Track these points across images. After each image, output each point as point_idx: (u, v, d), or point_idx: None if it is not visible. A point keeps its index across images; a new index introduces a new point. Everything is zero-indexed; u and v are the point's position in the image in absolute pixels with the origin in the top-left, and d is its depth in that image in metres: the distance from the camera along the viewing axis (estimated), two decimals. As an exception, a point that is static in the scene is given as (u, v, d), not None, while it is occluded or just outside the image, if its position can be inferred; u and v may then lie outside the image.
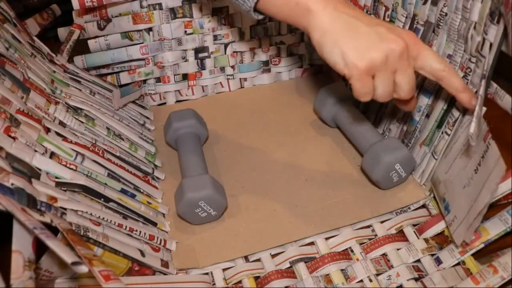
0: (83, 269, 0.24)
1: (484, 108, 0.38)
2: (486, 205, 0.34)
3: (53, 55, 0.55)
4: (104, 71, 0.61)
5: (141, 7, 0.57)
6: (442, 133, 0.44)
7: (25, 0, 0.65)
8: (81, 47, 0.58)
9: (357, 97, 0.38)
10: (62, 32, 0.57)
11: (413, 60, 0.38)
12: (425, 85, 0.46)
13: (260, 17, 0.41)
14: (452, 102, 0.43)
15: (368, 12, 0.54)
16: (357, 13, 0.37)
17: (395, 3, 0.49)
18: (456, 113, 0.42)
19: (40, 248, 0.27)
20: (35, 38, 0.54)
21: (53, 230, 0.27)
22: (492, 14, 0.36)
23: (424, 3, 0.44)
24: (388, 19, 0.50)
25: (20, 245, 0.26)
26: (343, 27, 0.36)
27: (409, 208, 0.47)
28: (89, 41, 0.57)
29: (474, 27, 0.38)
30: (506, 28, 0.34)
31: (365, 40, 0.36)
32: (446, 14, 0.42)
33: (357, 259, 0.42)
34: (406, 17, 0.48)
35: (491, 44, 0.36)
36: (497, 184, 0.33)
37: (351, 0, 0.57)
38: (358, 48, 0.36)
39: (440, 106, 0.44)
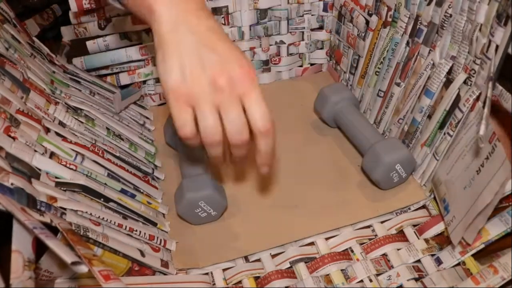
0: (83, 269, 0.24)
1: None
2: (491, 206, 0.34)
3: (53, 55, 0.55)
4: (104, 71, 0.61)
5: (141, 7, 0.57)
6: (444, 134, 0.44)
7: (24, 0, 0.65)
8: (80, 48, 0.58)
9: (177, 129, 0.34)
10: (65, 31, 0.57)
11: (242, 96, 0.33)
12: (427, 85, 0.46)
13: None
14: (454, 103, 0.43)
15: (370, 13, 0.54)
16: (203, 28, 0.33)
17: (397, 3, 0.49)
18: (459, 115, 0.42)
19: (40, 248, 0.27)
20: (35, 39, 0.54)
21: (53, 230, 0.27)
22: (499, 17, 0.35)
23: (429, 4, 0.44)
24: (390, 19, 0.50)
25: (20, 245, 0.25)
26: (178, 42, 0.32)
27: (409, 208, 0.47)
28: (87, 42, 0.57)
29: (480, 29, 0.38)
30: None
31: (192, 60, 0.32)
32: (450, 16, 0.42)
33: (357, 259, 0.42)
34: (409, 18, 0.47)
35: (497, 46, 0.36)
36: (500, 185, 0.33)
37: (353, 0, 0.57)
38: (181, 69, 0.32)
39: (443, 107, 0.44)
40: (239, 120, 0.33)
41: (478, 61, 0.39)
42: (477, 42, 0.38)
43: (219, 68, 0.32)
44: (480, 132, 0.33)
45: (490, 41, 0.37)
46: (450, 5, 0.41)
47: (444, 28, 0.43)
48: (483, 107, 0.37)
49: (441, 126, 0.45)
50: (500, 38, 0.36)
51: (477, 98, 0.40)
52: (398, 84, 0.51)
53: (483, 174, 0.36)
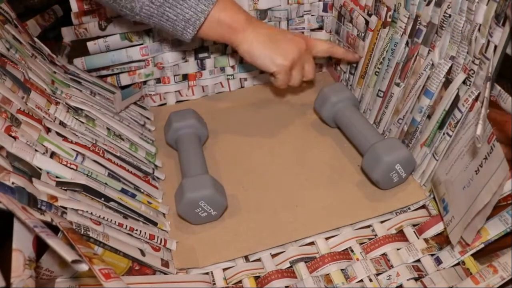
0: (83, 267, 0.24)
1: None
2: (489, 206, 0.34)
3: (54, 56, 0.55)
4: (104, 72, 0.61)
5: (142, 7, 0.57)
6: (444, 134, 0.44)
7: (25, 0, 0.65)
8: (81, 48, 0.58)
9: (279, 87, 0.55)
10: (65, 31, 0.57)
11: (311, 52, 0.55)
12: (427, 85, 0.46)
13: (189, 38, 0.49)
14: (454, 103, 0.43)
15: (369, 13, 0.54)
16: (268, 30, 0.51)
17: (397, 3, 0.49)
18: (458, 115, 0.42)
19: (40, 247, 0.27)
20: (36, 39, 0.54)
21: (54, 229, 0.27)
22: (498, 17, 0.35)
23: (428, 4, 0.44)
24: (390, 20, 0.51)
25: (21, 244, 0.26)
26: (265, 40, 0.50)
27: (409, 208, 0.47)
28: (88, 43, 0.57)
29: (479, 29, 0.38)
30: (511, 30, 0.34)
31: (284, 46, 0.51)
32: (449, 16, 0.42)
33: (357, 259, 0.42)
34: (409, 18, 0.48)
35: (495, 46, 0.36)
36: (498, 185, 0.33)
37: (352, 1, 0.57)
38: (282, 53, 0.51)
39: (442, 107, 0.44)
40: (314, 65, 0.56)
41: (477, 61, 0.39)
42: (476, 42, 0.39)
43: (297, 39, 0.53)
44: (477, 132, 0.33)
45: (489, 42, 0.37)
46: (449, 5, 0.41)
47: (443, 28, 0.43)
48: (482, 107, 0.37)
49: (441, 126, 0.45)
50: (498, 38, 0.36)
51: (476, 98, 0.40)
52: (397, 84, 0.51)
53: (481, 174, 0.36)
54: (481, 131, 0.33)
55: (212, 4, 0.46)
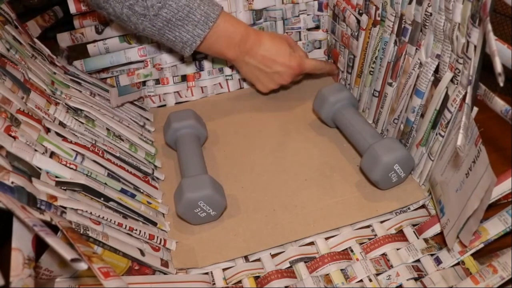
0: (83, 266, 0.24)
1: (476, 109, 0.37)
2: (480, 210, 0.34)
3: (54, 56, 0.55)
4: (104, 75, 0.61)
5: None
6: (437, 134, 0.44)
7: (25, 1, 0.65)
8: (81, 49, 0.58)
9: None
10: (60, 37, 0.57)
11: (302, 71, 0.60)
12: (417, 86, 0.45)
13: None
14: (444, 103, 0.42)
15: (360, 12, 0.54)
16: (259, 59, 0.56)
17: (384, 2, 0.49)
18: (448, 115, 0.41)
19: (40, 247, 0.27)
20: (36, 40, 0.54)
21: (53, 229, 0.27)
22: (473, 17, 0.35)
23: (410, 3, 0.44)
24: (379, 18, 0.51)
25: (20, 243, 0.26)
26: (252, 71, 0.59)
27: (409, 208, 0.47)
28: (88, 46, 0.57)
29: (459, 29, 0.38)
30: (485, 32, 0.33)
31: (267, 81, 0.60)
32: (431, 14, 0.41)
33: (357, 259, 0.42)
34: (395, 16, 0.48)
35: (475, 47, 0.35)
36: (484, 191, 0.32)
37: (345, 0, 0.57)
38: (265, 85, 0.61)
39: (433, 106, 0.43)
40: None
41: (461, 61, 0.39)
42: (457, 41, 0.38)
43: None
44: (458, 143, 0.32)
45: (468, 42, 0.36)
46: (429, 3, 0.41)
47: (426, 27, 0.42)
48: (463, 115, 0.35)
49: (433, 126, 0.44)
50: (476, 39, 0.35)
51: (464, 98, 0.39)
52: (390, 84, 0.51)
53: (471, 177, 0.35)
54: (462, 141, 0.33)
55: (208, 29, 0.50)
